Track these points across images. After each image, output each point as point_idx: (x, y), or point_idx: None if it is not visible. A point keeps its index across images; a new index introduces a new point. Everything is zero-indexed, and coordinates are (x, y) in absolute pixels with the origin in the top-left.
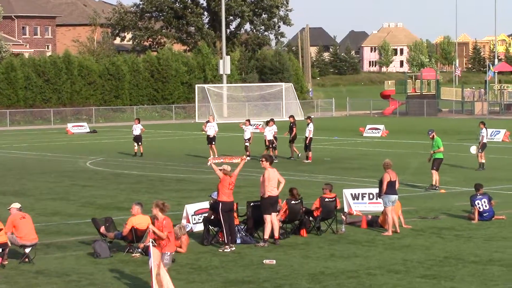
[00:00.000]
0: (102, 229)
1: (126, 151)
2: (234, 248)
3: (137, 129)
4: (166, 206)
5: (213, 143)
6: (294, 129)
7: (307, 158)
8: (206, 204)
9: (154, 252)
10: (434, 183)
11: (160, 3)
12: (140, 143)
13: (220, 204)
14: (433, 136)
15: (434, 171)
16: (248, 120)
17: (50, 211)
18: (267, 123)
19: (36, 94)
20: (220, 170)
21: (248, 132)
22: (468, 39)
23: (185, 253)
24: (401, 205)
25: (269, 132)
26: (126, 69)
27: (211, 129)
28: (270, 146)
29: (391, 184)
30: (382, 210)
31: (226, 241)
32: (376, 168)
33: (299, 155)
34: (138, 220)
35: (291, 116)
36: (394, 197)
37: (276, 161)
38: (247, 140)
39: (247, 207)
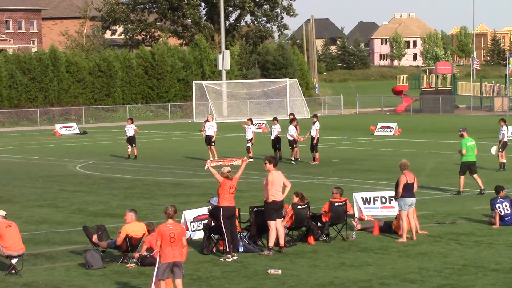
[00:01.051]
0: (94, 237)
1: (118, 153)
2: (236, 257)
3: (130, 130)
4: (168, 213)
5: (213, 144)
6: (298, 127)
7: (314, 159)
8: (205, 210)
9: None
10: (460, 189)
11: None
12: (133, 145)
13: (221, 209)
14: (462, 135)
15: (461, 176)
16: (250, 119)
17: (38, 219)
18: (290, 121)
19: (21, 93)
20: (220, 173)
21: (250, 132)
22: (486, 29)
23: (184, 263)
24: (416, 209)
25: (294, 131)
26: (118, 65)
27: (210, 129)
28: (295, 145)
29: (408, 186)
30: (396, 215)
31: (227, 250)
32: (389, 170)
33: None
34: (133, 227)
35: (292, 114)
36: (411, 201)
37: (280, 160)
38: (249, 141)
39: (250, 212)
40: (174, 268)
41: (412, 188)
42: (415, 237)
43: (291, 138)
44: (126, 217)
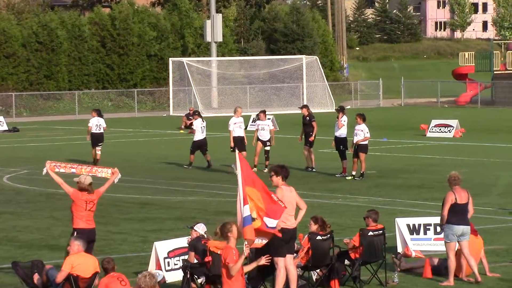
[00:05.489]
0: (36, 278)
1: (64, 158)
2: None
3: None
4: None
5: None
6: (314, 124)
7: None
8: (184, 241)
9: None
10: None
11: None
12: (99, 146)
13: (75, 232)
14: None
15: None
16: (263, 112)
17: None
18: (363, 119)
19: None
20: (76, 181)
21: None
22: None
23: None
24: (483, 242)
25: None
26: (64, 35)
27: (238, 129)
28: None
29: (456, 208)
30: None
31: None
32: (446, 186)
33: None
34: (81, 259)
35: (305, 107)
36: (462, 229)
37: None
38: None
39: None
40: None
41: (464, 211)
42: (479, 278)
43: (365, 142)
44: (70, 248)
